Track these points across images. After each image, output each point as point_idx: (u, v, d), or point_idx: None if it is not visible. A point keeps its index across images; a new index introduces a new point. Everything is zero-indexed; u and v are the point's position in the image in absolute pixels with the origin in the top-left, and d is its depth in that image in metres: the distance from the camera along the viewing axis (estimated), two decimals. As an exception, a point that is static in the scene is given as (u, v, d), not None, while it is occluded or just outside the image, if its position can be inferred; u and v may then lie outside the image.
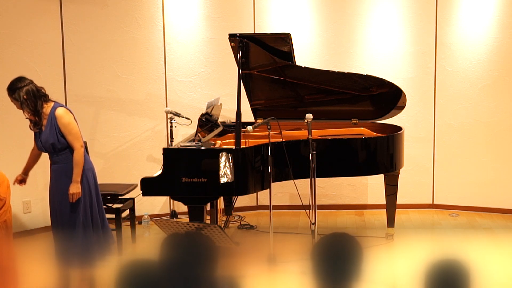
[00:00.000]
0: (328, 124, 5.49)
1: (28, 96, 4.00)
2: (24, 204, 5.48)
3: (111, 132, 5.88)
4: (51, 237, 4.33)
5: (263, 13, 6.11)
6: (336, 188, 6.29)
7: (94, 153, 5.69)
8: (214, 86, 6.07)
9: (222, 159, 4.43)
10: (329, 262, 1.92)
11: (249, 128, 4.59)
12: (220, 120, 5.28)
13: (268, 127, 4.56)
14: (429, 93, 6.13)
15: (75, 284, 3.93)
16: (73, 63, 5.70)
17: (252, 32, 6.06)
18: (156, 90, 5.95)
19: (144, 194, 4.57)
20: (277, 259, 4.61)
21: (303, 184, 5.21)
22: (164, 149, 4.59)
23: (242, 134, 4.85)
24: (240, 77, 4.86)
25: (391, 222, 5.25)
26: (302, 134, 5.24)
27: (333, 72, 5.22)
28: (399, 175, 5.20)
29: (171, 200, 6.07)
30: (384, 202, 5.26)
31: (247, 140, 5.22)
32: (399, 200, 5.44)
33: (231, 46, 5.01)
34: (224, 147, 4.98)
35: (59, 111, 4.07)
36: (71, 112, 4.15)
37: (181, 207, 5.62)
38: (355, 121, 5.46)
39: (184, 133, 5.57)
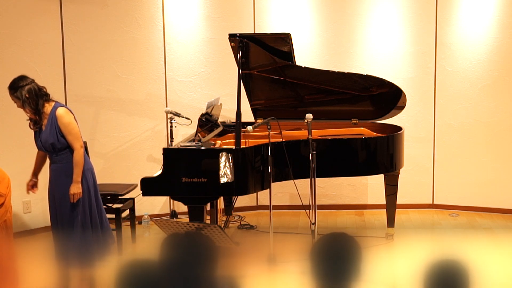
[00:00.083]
0: (328, 124, 5.49)
1: (30, 95, 4.01)
2: (24, 204, 5.48)
3: (111, 132, 5.88)
4: (51, 237, 4.34)
5: (263, 13, 6.11)
6: (336, 188, 6.29)
7: (94, 153, 5.69)
8: (214, 86, 6.07)
9: (222, 159, 4.43)
10: (328, 262, 1.92)
11: (249, 128, 4.59)
12: (220, 120, 5.28)
13: (268, 127, 4.56)
14: (429, 93, 6.13)
15: (75, 284, 3.93)
16: (73, 63, 5.70)
17: (252, 32, 6.05)
18: (156, 90, 5.95)
19: (144, 194, 4.57)
20: (277, 259, 4.61)
21: (303, 184, 5.21)
22: (164, 149, 4.59)
23: (242, 134, 4.85)
24: (240, 77, 4.86)
25: (391, 222, 5.25)
26: (302, 134, 5.24)
27: (333, 72, 5.22)
28: (399, 175, 5.20)
29: (171, 200, 6.07)
30: (384, 202, 5.26)
31: (247, 140, 5.22)
32: (399, 200, 5.44)
33: (231, 46, 5.01)
34: (224, 147, 4.98)
35: (60, 111, 4.08)
36: (71, 112, 4.16)
37: (181, 207, 5.62)
38: (355, 121, 5.46)
39: (184, 133, 5.57)
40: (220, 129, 5.08)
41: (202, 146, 4.57)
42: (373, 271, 1.99)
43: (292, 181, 4.84)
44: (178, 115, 5.42)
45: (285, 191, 6.21)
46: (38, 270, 2.40)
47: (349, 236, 1.97)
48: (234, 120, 4.82)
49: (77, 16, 5.66)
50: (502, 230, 5.56)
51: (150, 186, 4.52)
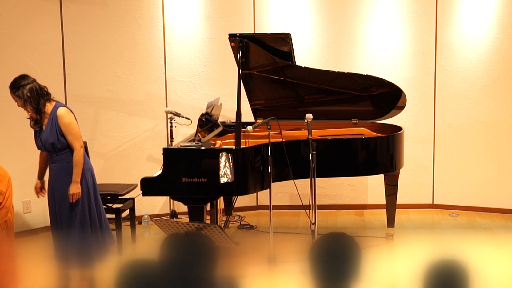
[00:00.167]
0: (328, 124, 5.49)
1: (32, 94, 4.02)
2: (24, 204, 5.48)
3: (111, 132, 5.88)
4: (51, 237, 4.34)
5: (263, 13, 6.11)
6: (336, 188, 6.29)
7: (94, 153, 5.69)
8: (214, 86, 6.07)
9: (222, 159, 4.43)
10: (327, 261, 1.92)
11: (249, 128, 4.59)
12: (220, 120, 5.28)
13: (268, 127, 4.56)
14: (429, 93, 6.13)
15: (75, 284, 3.93)
16: (73, 63, 5.70)
17: (252, 32, 6.05)
18: (156, 90, 5.95)
19: (144, 194, 4.57)
20: (277, 259, 4.61)
21: (303, 184, 5.21)
22: (164, 149, 4.59)
23: (242, 134, 4.85)
24: (240, 77, 4.86)
25: (391, 222, 5.25)
26: (302, 134, 5.24)
27: (333, 72, 5.22)
28: (399, 175, 5.20)
29: (171, 200, 6.07)
30: (384, 202, 5.26)
31: (247, 140, 5.22)
32: (399, 200, 5.44)
33: (231, 46, 5.01)
34: (224, 147, 4.98)
35: (61, 111, 4.09)
36: (72, 112, 4.17)
37: (181, 207, 5.62)
38: (355, 121, 5.46)
39: (184, 133, 5.57)
40: (220, 129, 5.08)
41: (202, 146, 4.57)
42: (373, 271, 1.99)
43: (292, 181, 4.84)
44: (178, 115, 5.42)
45: (285, 191, 6.21)
46: (38, 270, 2.40)
47: (348, 236, 1.97)
48: (234, 120, 4.82)
49: (77, 16, 5.66)
50: (502, 230, 5.56)
51: (150, 186, 4.52)
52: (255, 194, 6.24)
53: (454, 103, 6.08)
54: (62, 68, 5.68)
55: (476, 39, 5.94)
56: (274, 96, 5.49)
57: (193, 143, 4.67)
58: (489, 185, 6.06)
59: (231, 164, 4.42)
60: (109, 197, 5.05)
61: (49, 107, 4.10)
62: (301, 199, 5.14)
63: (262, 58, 5.09)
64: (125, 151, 5.93)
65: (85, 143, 4.54)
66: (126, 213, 5.13)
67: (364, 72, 5.52)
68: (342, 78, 5.25)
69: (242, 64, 4.94)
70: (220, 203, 5.72)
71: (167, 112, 5.47)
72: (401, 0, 6.04)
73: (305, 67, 5.18)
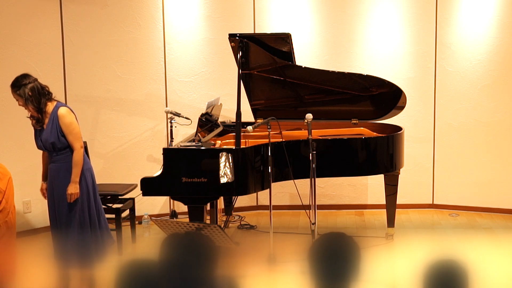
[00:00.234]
0: (328, 124, 5.49)
1: (33, 93, 4.02)
2: (24, 204, 5.48)
3: (111, 132, 5.88)
4: (51, 237, 4.33)
5: (263, 13, 6.11)
6: (336, 188, 6.29)
7: (94, 153, 5.69)
8: (214, 86, 6.07)
9: (222, 159, 4.43)
10: (326, 261, 1.92)
11: (249, 128, 4.59)
12: (220, 120, 5.28)
13: (268, 127, 4.56)
14: (429, 93, 6.13)
15: (75, 284, 3.93)
16: (73, 63, 5.70)
17: (252, 32, 6.05)
18: (156, 90, 5.95)
19: (144, 194, 4.57)
20: (277, 259, 4.61)
21: (303, 184, 5.20)
22: (164, 149, 4.59)
23: (242, 134, 4.85)
24: (240, 77, 4.85)
25: (391, 222, 5.25)
26: (302, 134, 5.24)
27: (333, 72, 5.22)
28: (399, 175, 5.20)
29: (171, 200, 6.07)
30: (384, 202, 5.26)
31: (247, 140, 5.22)
32: (399, 200, 5.44)
33: (231, 46, 5.01)
34: (224, 147, 4.98)
35: (62, 111, 4.09)
36: (73, 112, 4.17)
37: (181, 207, 5.62)
38: (355, 121, 5.46)
39: (184, 133, 5.57)
40: (220, 129, 5.08)
41: (202, 146, 4.57)
42: (373, 271, 1.99)
43: (292, 181, 4.84)
44: (178, 115, 5.42)
45: (285, 191, 6.21)
46: (38, 270, 2.40)
47: (347, 236, 1.97)
48: (234, 120, 4.82)
49: (77, 16, 5.66)
50: (502, 230, 5.56)
51: (150, 186, 4.52)
52: (255, 194, 6.24)
53: (454, 103, 6.08)
54: (62, 68, 5.68)
55: (476, 39, 5.93)
56: (274, 96, 5.49)
57: (193, 143, 4.67)
58: (489, 185, 6.05)
59: (231, 164, 4.42)
60: (109, 197, 5.05)
61: (50, 106, 4.11)
62: (301, 199, 5.14)
63: (262, 58, 5.09)
64: (125, 151, 5.93)
65: (85, 143, 4.53)
66: (126, 213, 5.13)
67: (364, 72, 5.52)
68: (342, 78, 5.25)
69: (242, 64, 4.94)
70: (220, 203, 5.72)
71: (167, 112, 5.47)
72: (401, 0, 6.04)
73: (305, 67, 5.18)
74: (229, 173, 4.43)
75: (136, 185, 5.10)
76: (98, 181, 4.39)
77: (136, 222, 5.29)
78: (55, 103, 4.14)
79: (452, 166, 6.16)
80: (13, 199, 4.47)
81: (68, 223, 4.13)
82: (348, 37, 6.11)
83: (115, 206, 4.99)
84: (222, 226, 5.51)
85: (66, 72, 5.69)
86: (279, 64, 5.10)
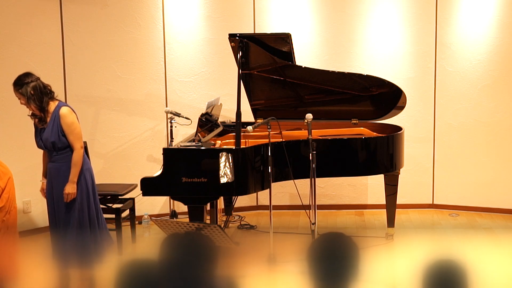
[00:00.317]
0: (328, 124, 5.49)
1: (35, 92, 4.03)
2: (24, 204, 5.48)
3: (111, 132, 5.88)
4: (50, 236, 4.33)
5: (263, 13, 6.11)
6: (336, 188, 6.29)
7: (94, 153, 5.69)
8: (214, 86, 6.07)
9: (222, 159, 4.43)
10: (324, 261, 1.92)
11: (249, 128, 4.59)
12: (220, 120, 5.28)
13: (268, 127, 4.56)
14: (429, 93, 6.13)
15: (75, 284, 3.93)
16: (73, 63, 5.70)
17: (252, 32, 6.05)
18: (156, 90, 5.95)
19: (144, 194, 4.57)
20: (277, 259, 4.61)
21: (303, 184, 5.21)
22: (164, 149, 4.59)
23: (242, 134, 4.85)
24: (240, 77, 4.85)
25: (391, 222, 5.25)
26: (302, 134, 5.24)
27: (333, 72, 5.22)
28: (399, 175, 5.20)
29: (171, 200, 6.07)
30: (384, 202, 5.26)
31: (247, 140, 5.22)
32: (399, 200, 5.44)
33: (231, 46, 5.01)
34: (224, 147, 4.98)
35: (64, 110, 4.10)
36: (74, 113, 4.17)
37: (181, 207, 5.62)
38: (355, 121, 5.46)
39: (184, 133, 5.57)
40: (220, 129, 5.08)
41: (202, 146, 4.57)
42: (372, 271, 1.99)
43: (292, 181, 4.84)
44: (178, 115, 5.42)
45: (285, 191, 6.21)
46: (38, 270, 2.40)
47: (346, 236, 1.97)
48: (234, 120, 4.82)
49: (77, 16, 5.66)
50: (502, 230, 5.55)
51: (150, 186, 4.52)
52: (255, 194, 6.24)
53: (454, 103, 6.08)
54: (62, 68, 5.68)
55: (476, 39, 5.93)
56: (274, 96, 5.49)
57: (193, 143, 4.67)
58: (489, 185, 6.06)
59: (231, 164, 4.42)
60: (109, 197, 5.05)
61: (52, 105, 4.11)
62: (301, 199, 5.14)
63: (262, 58, 5.09)
64: (125, 151, 5.93)
65: (85, 143, 4.53)
66: (126, 213, 5.13)
67: (364, 72, 5.52)
68: (342, 78, 5.25)
69: (242, 64, 4.94)
70: (220, 203, 5.72)
71: (167, 112, 5.47)
72: (401, 0, 6.04)
73: (305, 67, 5.18)
74: (229, 173, 4.43)
75: (136, 185, 5.10)
76: (98, 181, 4.39)
77: (136, 222, 5.29)
78: (57, 102, 4.14)
79: (452, 166, 6.16)
80: (14, 199, 4.45)
81: (67, 222, 4.13)
82: (348, 37, 6.11)
83: (115, 206, 4.99)
84: (222, 226, 5.51)
85: (66, 72, 5.69)
86: (279, 64, 5.10)
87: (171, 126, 5.46)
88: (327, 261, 1.92)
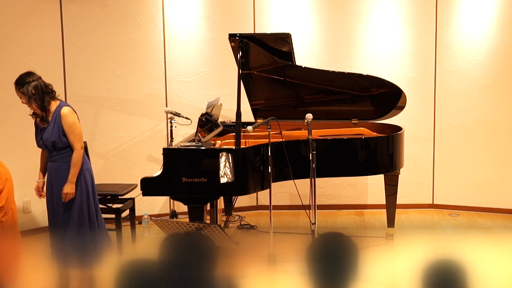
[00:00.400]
0: (328, 124, 5.49)
1: (36, 91, 4.03)
2: (24, 204, 5.48)
3: (111, 132, 5.88)
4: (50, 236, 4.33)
5: (263, 13, 6.11)
6: (336, 188, 6.29)
7: (94, 153, 5.69)
8: (214, 86, 6.07)
9: (222, 159, 4.43)
10: (324, 261, 1.92)
11: (249, 128, 4.59)
12: (220, 120, 5.28)
13: (268, 127, 4.56)
14: (429, 93, 6.13)
15: (75, 284, 3.93)
16: (73, 63, 5.70)
17: (252, 32, 6.06)
18: (156, 90, 5.95)
19: (144, 194, 4.57)
20: (277, 259, 4.61)
21: (303, 184, 5.20)
22: (164, 149, 4.59)
23: (242, 134, 4.85)
24: (240, 77, 4.86)
25: (391, 222, 5.25)
26: (302, 134, 5.24)
27: (333, 72, 5.22)
28: (399, 175, 5.20)
29: (171, 200, 6.07)
30: (384, 202, 5.26)
31: (247, 140, 5.22)
32: (399, 200, 5.44)
33: (231, 46, 5.01)
34: (224, 147, 4.98)
35: (65, 110, 4.10)
36: (75, 113, 4.17)
37: (181, 207, 5.62)
38: (355, 121, 5.46)
39: (184, 133, 5.57)
40: (220, 129, 5.08)
41: (202, 146, 4.57)
42: (372, 271, 1.99)
43: (292, 181, 4.84)
44: (178, 115, 5.42)
45: (285, 191, 6.21)
46: (37, 270, 2.40)
47: (345, 236, 1.97)
48: (234, 120, 4.82)
49: (77, 16, 5.66)
50: (502, 230, 5.56)
51: (150, 186, 4.52)
52: (255, 194, 6.24)
53: (454, 103, 6.08)
54: (62, 68, 5.68)
55: (476, 39, 5.94)
56: (274, 96, 5.49)
57: (193, 143, 4.67)
58: (489, 185, 6.06)
59: (231, 164, 4.42)
60: (109, 197, 5.05)
61: (53, 105, 4.11)
62: (301, 199, 5.14)
63: (262, 58, 5.09)
64: (125, 151, 5.93)
65: (85, 143, 4.53)
66: (126, 213, 5.13)
67: (364, 72, 5.52)
68: (342, 78, 5.25)
69: (242, 64, 4.94)
70: (220, 203, 5.72)
71: (167, 112, 5.47)
72: (401, 0, 6.04)
73: (305, 67, 5.18)
74: (229, 173, 4.43)
75: (136, 185, 5.10)
76: (98, 181, 4.40)
77: (136, 222, 5.29)
78: (58, 102, 4.14)
79: (452, 166, 6.16)
80: (13, 200, 4.45)
81: (66, 222, 4.13)
82: (348, 37, 6.11)
83: (115, 206, 4.99)
84: (222, 226, 5.51)
85: (66, 72, 5.69)
86: (279, 64, 5.10)
87: (171, 126, 5.46)
88: (327, 261, 1.92)
